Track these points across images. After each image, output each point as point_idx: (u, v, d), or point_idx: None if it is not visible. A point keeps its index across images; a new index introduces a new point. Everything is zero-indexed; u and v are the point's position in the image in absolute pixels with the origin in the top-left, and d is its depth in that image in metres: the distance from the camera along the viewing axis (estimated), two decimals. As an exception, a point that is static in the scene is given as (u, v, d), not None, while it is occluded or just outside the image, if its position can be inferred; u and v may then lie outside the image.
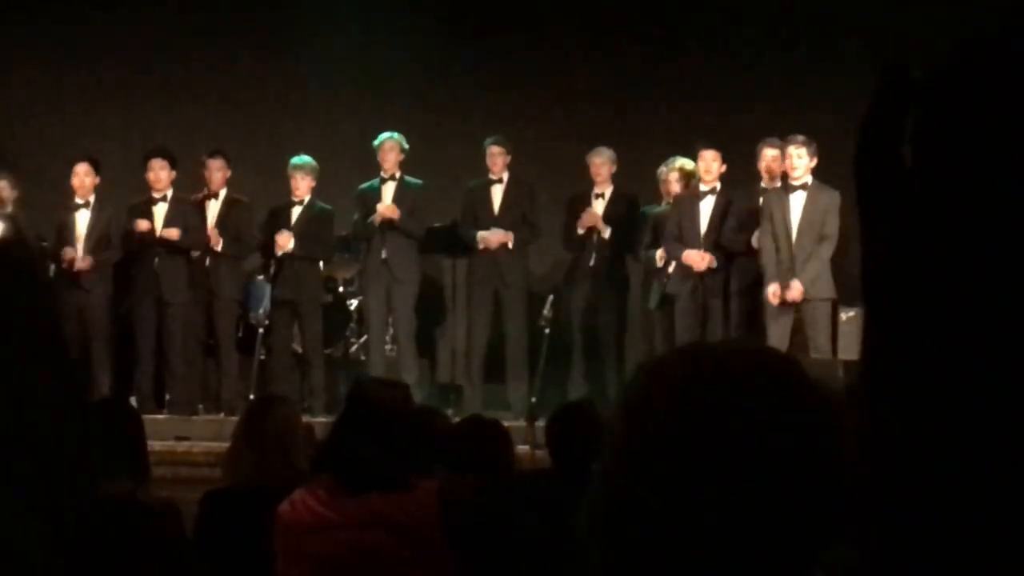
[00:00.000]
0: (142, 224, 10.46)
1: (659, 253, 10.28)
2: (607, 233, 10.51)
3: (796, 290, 9.46)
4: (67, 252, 10.43)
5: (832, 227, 9.53)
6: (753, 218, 9.88)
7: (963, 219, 1.08)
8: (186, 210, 10.63)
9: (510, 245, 10.58)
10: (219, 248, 10.56)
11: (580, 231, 10.55)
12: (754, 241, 9.81)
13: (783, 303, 9.55)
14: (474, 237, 10.65)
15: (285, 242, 10.57)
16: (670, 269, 10.15)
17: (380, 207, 10.54)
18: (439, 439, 4.98)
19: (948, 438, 1.06)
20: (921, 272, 1.08)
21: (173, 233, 10.44)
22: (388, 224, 10.56)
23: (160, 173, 10.60)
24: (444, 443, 4.84)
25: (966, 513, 1.05)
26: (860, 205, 1.16)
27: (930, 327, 1.07)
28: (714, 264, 9.90)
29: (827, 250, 9.55)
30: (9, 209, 10.61)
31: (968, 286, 1.07)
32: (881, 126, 1.13)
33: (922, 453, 1.06)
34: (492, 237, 10.55)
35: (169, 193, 10.63)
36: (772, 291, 9.56)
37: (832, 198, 9.57)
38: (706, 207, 10.08)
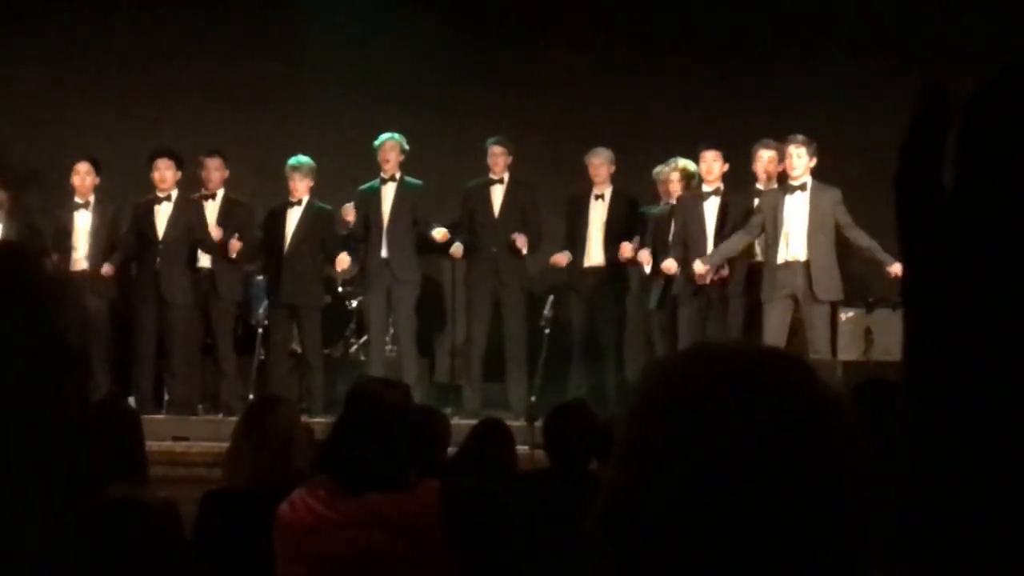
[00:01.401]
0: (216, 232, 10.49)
1: (644, 257, 10.26)
2: (648, 268, 10.42)
3: (896, 268, 9.33)
4: (105, 268, 10.43)
5: (849, 221, 9.49)
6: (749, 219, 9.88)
7: (1005, 239, 1.08)
8: (191, 211, 10.62)
9: (524, 251, 10.58)
10: (234, 255, 10.53)
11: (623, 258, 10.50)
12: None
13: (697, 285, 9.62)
14: (470, 242, 10.67)
15: (344, 264, 10.55)
16: (673, 271, 10.13)
17: (436, 233, 10.53)
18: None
19: (989, 444, 1.05)
20: (963, 290, 1.08)
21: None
22: (391, 223, 10.59)
23: (166, 173, 10.60)
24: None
25: (1007, 515, 1.04)
26: (900, 224, 1.16)
27: (972, 343, 1.07)
28: (724, 273, 9.89)
29: (864, 234, 9.47)
30: (4, 211, 10.59)
31: (1010, 304, 1.07)
32: (922, 146, 1.13)
33: (964, 460, 1.06)
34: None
35: (174, 194, 10.63)
36: (698, 263, 9.72)
37: (835, 195, 9.58)
38: (711, 208, 10.07)
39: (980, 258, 1.09)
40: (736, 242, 9.77)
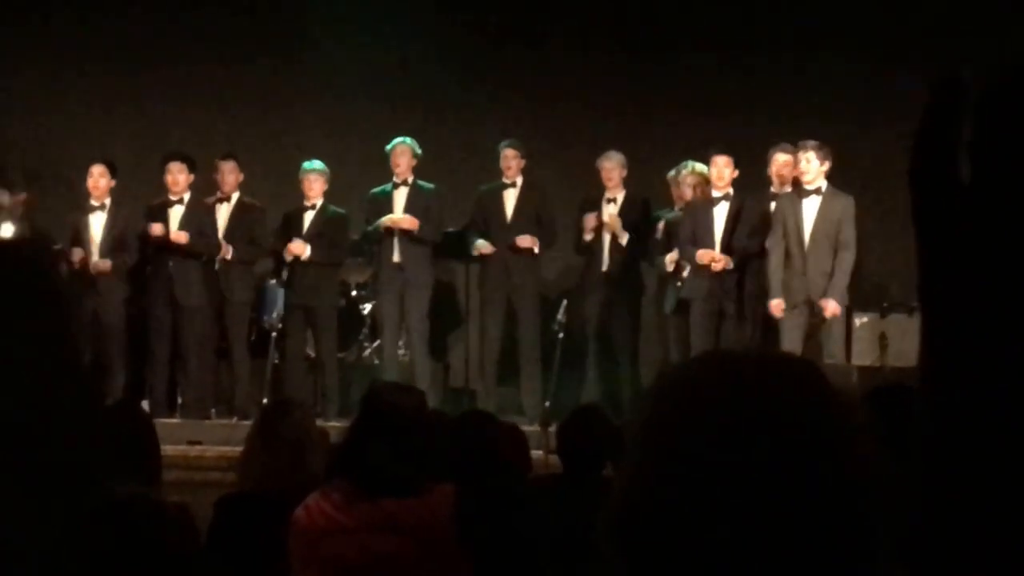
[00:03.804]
0: (156, 228, 10.47)
1: (668, 258, 10.25)
2: (624, 239, 10.50)
3: (832, 309, 9.39)
4: (76, 253, 10.43)
5: (849, 235, 9.48)
6: (765, 223, 9.86)
7: (1022, 232, 1.07)
8: (202, 214, 10.64)
9: (536, 250, 10.60)
10: (228, 256, 10.57)
11: (587, 236, 10.56)
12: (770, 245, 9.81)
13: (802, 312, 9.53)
14: (482, 244, 10.67)
15: (299, 250, 10.55)
16: (684, 273, 10.13)
17: (394, 219, 10.52)
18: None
19: (1008, 443, 1.05)
20: (980, 282, 1.07)
21: (182, 237, 10.44)
22: (403, 230, 10.57)
23: (178, 176, 10.61)
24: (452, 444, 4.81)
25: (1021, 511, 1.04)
26: (916, 216, 1.15)
27: (989, 336, 1.06)
28: (730, 265, 9.86)
29: (849, 261, 9.47)
30: (18, 213, 10.62)
31: None
32: (936, 137, 1.12)
33: (982, 459, 1.05)
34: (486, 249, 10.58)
35: (186, 196, 10.65)
36: (776, 304, 9.55)
37: (847, 204, 9.55)
38: (720, 213, 10.05)
39: (997, 251, 1.08)
40: (776, 262, 9.68)
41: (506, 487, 4.51)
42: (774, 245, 9.67)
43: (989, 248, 1.08)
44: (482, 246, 10.64)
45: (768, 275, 9.67)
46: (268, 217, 10.93)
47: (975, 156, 1.11)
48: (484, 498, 4.12)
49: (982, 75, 1.14)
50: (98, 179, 10.65)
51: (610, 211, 10.58)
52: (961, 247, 1.10)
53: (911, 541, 1.13)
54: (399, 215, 10.56)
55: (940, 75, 1.14)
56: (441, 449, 4.34)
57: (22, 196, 10.76)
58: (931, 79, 1.15)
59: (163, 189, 10.68)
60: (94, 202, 10.65)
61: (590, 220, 10.60)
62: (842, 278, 9.45)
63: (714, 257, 9.83)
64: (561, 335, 10.08)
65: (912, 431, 1.15)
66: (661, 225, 10.49)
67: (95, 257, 10.56)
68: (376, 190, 10.80)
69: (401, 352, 10.95)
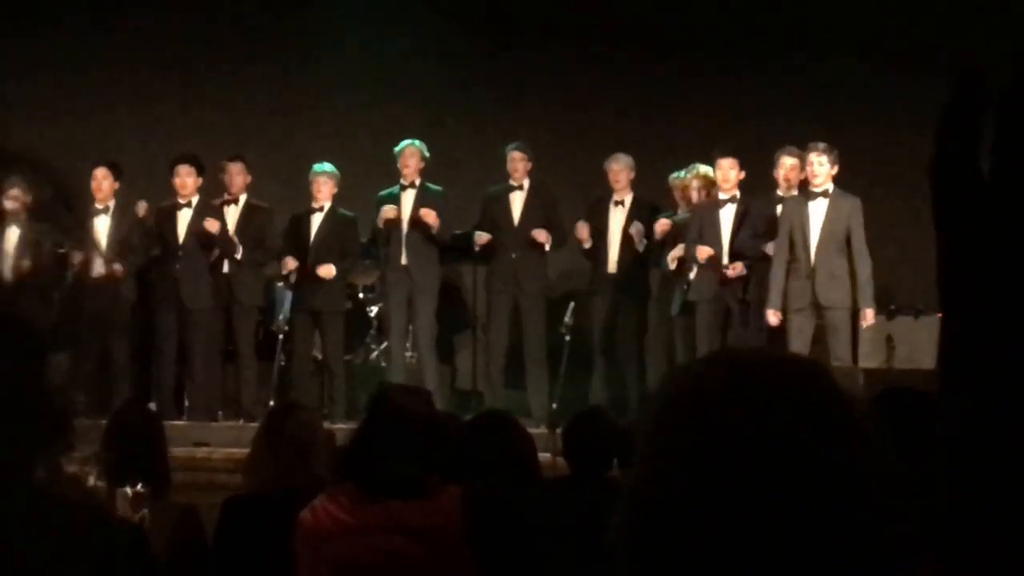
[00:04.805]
0: (211, 224, 10.47)
1: (671, 256, 10.23)
2: (641, 247, 10.51)
3: (870, 319, 9.42)
4: (116, 267, 10.44)
5: (861, 241, 9.46)
6: (771, 226, 9.86)
7: None
8: (210, 216, 10.63)
9: (547, 247, 10.61)
10: (239, 256, 10.55)
11: (585, 245, 10.58)
12: (769, 249, 9.79)
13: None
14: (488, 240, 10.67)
15: (326, 273, 10.57)
16: (691, 276, 10.13)
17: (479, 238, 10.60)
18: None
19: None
20: (1000, 280, 1.07)
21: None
22: (411, 228, 10.58)
23: (187, 179, 10.62)
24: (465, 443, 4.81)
25: None
26: (936, 214, 1.14)
27: (1010, 335, 1.06)
28: (743, 271, 9.86)
29: (868, 268, 9.46)
30: (23, 216, 10.63)
31: None
32: (957, 134, 1.12)
33: (1001, 457, 1.05)
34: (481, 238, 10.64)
35: (195, 199, 10.66)
36: (772, 312, 9.55)
37: (854, 205, 9.54)
38: (726, 215, 10.05)
39: (1018, 250, 1.08)
40: (778, 269, 9.68)
41: (512, 489, 4.51)
42: (778, 251, 9.65)
43: (1010, 246, 1.08)
44: (480, 236, 10.69)
45: (769, 281, 9.66)
46: (275, 219, 10.92)
47: (996, 153, 1.11)
48: (490, 500, 4.12)
49: (1004, 71, 1.13)
50: (101, 181, 10.65)
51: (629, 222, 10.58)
52: (982, 245, 1.09)
53: (933, 541, 1.13)
54: (405, 210, 10.57)
55: (961, 71, 1.13)
56: (454, 451, 4.35)
57: (28, 199, 10.76)
58: (953, 74, 1.15)
59: (171, 192, 10.69)
60: (98, 204, 10.66)
61: (582, 229, 10.61)
62: (868, 287, 9.43)
63: (714, 256, 9.83)
64: (568, 337, 10.08)
65: (932, 432, 1.14)
66: (659, 227, 10.47)
67: (100, 259, 10.56)
68: (384, 192, 10.80)
69: (408, 354, 10.95)
